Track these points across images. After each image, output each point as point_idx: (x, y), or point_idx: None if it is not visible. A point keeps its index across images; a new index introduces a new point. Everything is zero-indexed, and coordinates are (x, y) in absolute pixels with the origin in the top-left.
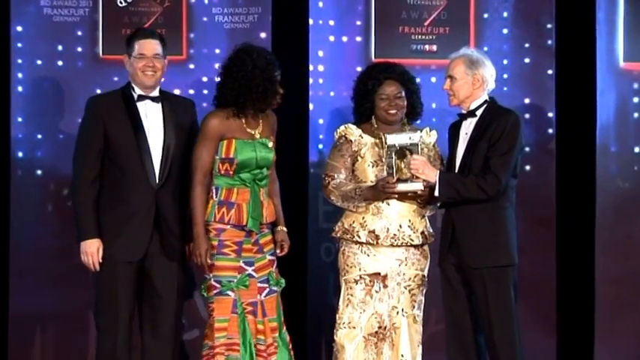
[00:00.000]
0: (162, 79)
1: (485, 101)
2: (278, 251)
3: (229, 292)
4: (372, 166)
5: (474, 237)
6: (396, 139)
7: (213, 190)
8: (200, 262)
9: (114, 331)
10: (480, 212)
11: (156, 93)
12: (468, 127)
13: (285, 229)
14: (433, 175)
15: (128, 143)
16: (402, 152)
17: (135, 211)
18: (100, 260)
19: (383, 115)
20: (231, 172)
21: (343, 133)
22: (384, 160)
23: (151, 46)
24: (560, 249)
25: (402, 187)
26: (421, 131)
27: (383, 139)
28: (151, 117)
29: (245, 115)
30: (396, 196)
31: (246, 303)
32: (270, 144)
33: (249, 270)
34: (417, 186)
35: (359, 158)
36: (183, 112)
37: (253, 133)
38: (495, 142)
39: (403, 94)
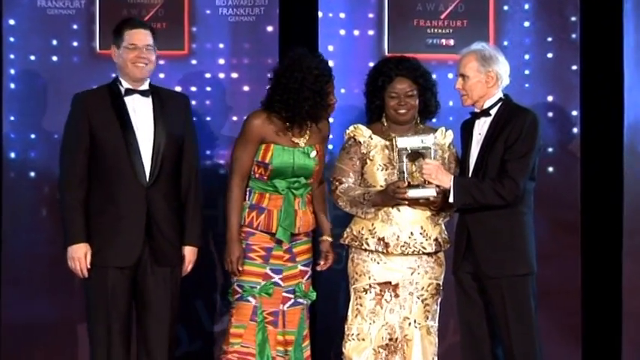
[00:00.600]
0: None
1: (500, 99)
2: (322, 262)
3: (250, 299)
4: (382, 170)
5: (490, 244)
6: (407, 141)
7: (247, 193)
8: (231, 270)
9: (107, 342)
10: (497, 218)
11: (145, 86)
12: (481, 126)
13: (329, 239)
14: (447, 180)
15: (116, 140)
16: (414, 155)
17: (125, 212)
18: (89, 266)
19: (393, 115)
20: (265, 177)
21: (352, 134)
22: (394, 163)
23: (142, 37)
24: (586, 255)
25: (413, 192)
26: (436, 131)
27: (393, 142)
28: (140, 112)
29: (295, 124)
30: (407, 202)
31: (267, 312)
32: (314, 153)
33: (276, 278)
34: (430, 192)
35: (368, 161)
36: (176, 106)
37: (297, 140)
38: (512, 144)
39: (415, 92)
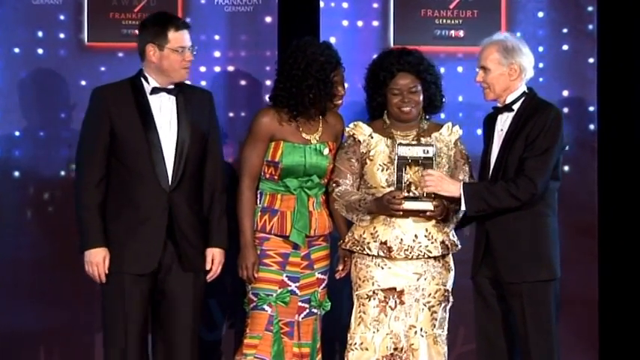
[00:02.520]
0: None
1: (524, 93)
2: (340, 267)
3: (266, 307)
4: (382, 170)
5: (510, 248)
6: (408, 151)
7: (258, 195)
8: (246, 276)
9: (123, 350)
10: (517, 220)
11: (171, 84)
12: (503, 122)
13: None
14: (455, 189)
15: (138, 141)
16: (415, 164)
17: (145, 216)
18: (107, 271)
19: (395, 112)
20: (276, 177)
21: (351, 133)
22: (393, 172)
23: (188, 38)
24: (603, 260)
25: (409, 204)
26: (441, 127)
27: (394, 150)
28: (165, 111)
29: (301, 117)
30: (402, 213)
31: (283, 322)
32: (326, 150)
33: (293, 286)
34: (426, 206)
35: (368, 161)
36: (200, 103)
37: (309, 137)
38: (533, 141)
39: (419, 87)
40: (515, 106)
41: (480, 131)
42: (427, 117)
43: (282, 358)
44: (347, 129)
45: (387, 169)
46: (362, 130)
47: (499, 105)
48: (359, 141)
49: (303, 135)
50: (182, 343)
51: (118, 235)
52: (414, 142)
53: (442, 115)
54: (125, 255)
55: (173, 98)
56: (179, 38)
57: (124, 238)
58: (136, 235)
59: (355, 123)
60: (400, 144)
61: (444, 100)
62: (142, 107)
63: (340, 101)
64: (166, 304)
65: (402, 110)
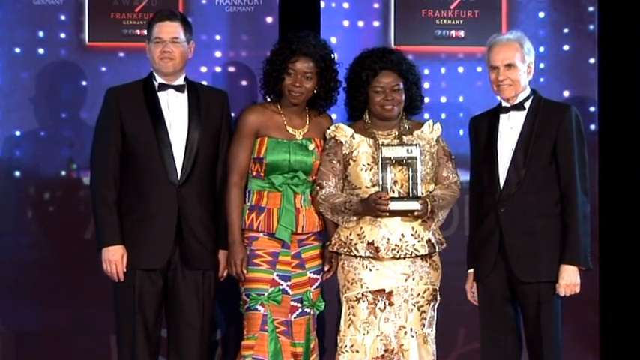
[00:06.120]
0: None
1: (532, 91)
2: (326, 268)
3: (258, 307)
4: (366, 170)
5: (526, 247)
6: (392, 151)
7: (247, 194)
8: (235, 272)
9: (132, 345)
10: (534, 219)
11: (180, 81)
12: (512, 120)
13: None
14: (573, 270)
15: (147, 137)
16: (400, 164)
17: (155, 211)
18: (125, 269)
19: (378, 110)
20: (262, 174)
21: (333, 135)
22: (377, 172)
23: (168, 29)
24: (604, 261)
25: (395, 205)
26: (422, 125)
27: (378, 151)
28: (174, 108)
29: (286, 112)
30: (388, 214)
31: (278, 321)
32: (312, 146)
33: (284, 285)
34: (413, 205)
35: (351, 162)
36: (213, 103)
37: (294, 132)
38: (567, 154)
39: (401, 86)
40: (526, 104)
41: None
42: (407, 117)
43: (280, 356)
44: (328, 131)
45: (370, 169)
46: (343, 132)
47: (507, 104)
48: (341, 143)
49: (289, 130)
50: (189, 343)
51: (129, 231)
52: (396, 143)
53: (443, 115)
54: (136, 250)
55: (184, 96)
56: (157, 30)
57: (135, 233)
58: (147, 231)
59: (336, 125)
60: (383, 145)
61: (424, 100)
62: (152, 105)
63: (298, 95)
64: (174, 302)
65: (385, 108)
